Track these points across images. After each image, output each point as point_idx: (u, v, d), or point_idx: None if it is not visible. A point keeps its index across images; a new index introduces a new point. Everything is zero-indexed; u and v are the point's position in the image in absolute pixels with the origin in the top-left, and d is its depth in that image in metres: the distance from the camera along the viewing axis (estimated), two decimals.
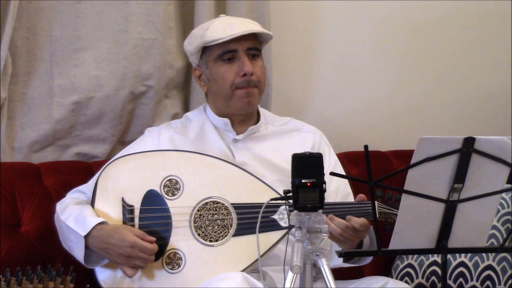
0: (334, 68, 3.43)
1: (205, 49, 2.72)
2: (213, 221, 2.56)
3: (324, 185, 2.00)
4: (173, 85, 3.20)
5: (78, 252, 2.56)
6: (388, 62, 3.54)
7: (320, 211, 2.00)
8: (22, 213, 2.82)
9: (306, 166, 2.00)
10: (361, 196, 2.52)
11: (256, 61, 2.71)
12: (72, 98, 3.01)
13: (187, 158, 2.62)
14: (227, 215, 2.57)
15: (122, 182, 2.61)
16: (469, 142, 2.00)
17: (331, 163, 2.76)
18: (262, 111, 2.83)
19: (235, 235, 2.55)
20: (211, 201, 2.58)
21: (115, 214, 2.60)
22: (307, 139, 2.79)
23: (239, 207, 2.56)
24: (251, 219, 2.55)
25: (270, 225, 2.54)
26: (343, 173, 2.77)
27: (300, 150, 2.54)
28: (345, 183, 2.74)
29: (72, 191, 2.75)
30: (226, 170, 2.60)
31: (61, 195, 2.85)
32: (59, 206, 2.68)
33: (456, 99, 3.63)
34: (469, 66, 3.63)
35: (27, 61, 2.98)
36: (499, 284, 2.87)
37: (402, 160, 3.24)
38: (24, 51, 2.97)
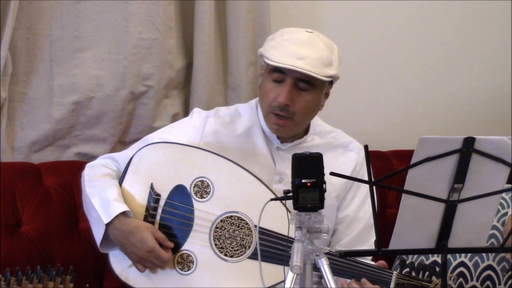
0: None
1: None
2: (233, 237, 2.54)
3: (324, 185, 1.99)
4: (173, 85, 3.20)
5: (96, 233, 2.55)
6: (388, 63, 3.54)
7: (320, 211, 2.00)
8: (22, 213, 2.82)
9: (306, 166, 1.99)
10: (382, 262, 2.48)
11: (302, 94, 2.58)
12: (72, 98, 3.01)
13: (225, 166, 2.58)
14: (248, 235, 2.54)
15: (155, 168, 2.59)
16: (469, 142, 2.00)
17: (366, 189, 2.67)
18: (312, 120, 2.72)
19: (251, 257, 2.53)
20: (236, 216, 2.55)
21: (141, 198, 2.58)
22: (350, 159, 2.71)
23: (262, 232, 2.51)
24: (270, 247, 2.52)
25: (286, 260, 2.48)
26: (375, 199, 2.73)
27: (341, 170, 2.52)
28: (371, 214, 2.68)
29: (104, 156, 2.73)
30: (259, 191, 2.56)
31: (61, 195, 2.85)
32: (88, 170, 2.66)
33: (456, 99, 3.63)
34: (469, 66, 3.63)
35: (27, 61, 2.98)
36: (499, 284, 2.87)
37: (402, 160, 3.24)
38: (24, 51, 2.97)
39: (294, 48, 2.56)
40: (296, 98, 2.57)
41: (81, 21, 3.00)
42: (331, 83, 2.65)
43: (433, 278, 2.40)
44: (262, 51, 2.61)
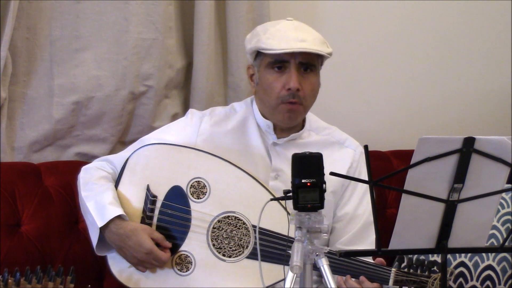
0: (334, 68, 3.42)
1: (259, 52, 2.62)
2: (231, 237, 2.54)
3: (324, 185, 1.99)
4: (173, 85, 3.20)
5: (92, 237, 2.56)
6: (388, 63, 3.54)
7: (320, 211, 2.00)
8: (22, 213, 2.82)
9: (306, 166, 1.99)
10: (380, 260, 2.48)
11: (307, 76, 2.60)
12: (72, 98, 3.01)
13: (221, 166, 2.58)
14: (246, 235, 2.54)
15: (152, 169, 2.59)
16: (469, 142, 2.00)
17: (364, 185, 2.66)
18: (308, 116, 2.73)
19: (249, 257, 2.53)
20: (233, 216, 2.55)
21: (137, 200, 2.58)
22: (347, 156, 2.70)
23: (260, 232, 2.50)
24: (268, 247, 2.51)
25: (284, 259, 2.46)
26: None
27: (337, 167, 2.54)
28: (370, 211, 2.62)
29: (100, 159, 2.73)
30: (256, 191, 2.56)
31: (61, 195, 2.85)
32: (83, 173, 2.66)
33: (456, 99, 3.63)
34: (469, 66, 3.63)
35: (27, 61, 2.98)
36: (499, 284, 2.87)
37: (402, 160, 3.24)
38: (24, 51, 2.97)
39: (291, 33, 2.59)
40: (303, 82, 2.59)
41: (81, 21, 3.00)
42: (321, 64, 2.68)
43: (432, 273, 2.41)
44: (258, 46, 2.59)
